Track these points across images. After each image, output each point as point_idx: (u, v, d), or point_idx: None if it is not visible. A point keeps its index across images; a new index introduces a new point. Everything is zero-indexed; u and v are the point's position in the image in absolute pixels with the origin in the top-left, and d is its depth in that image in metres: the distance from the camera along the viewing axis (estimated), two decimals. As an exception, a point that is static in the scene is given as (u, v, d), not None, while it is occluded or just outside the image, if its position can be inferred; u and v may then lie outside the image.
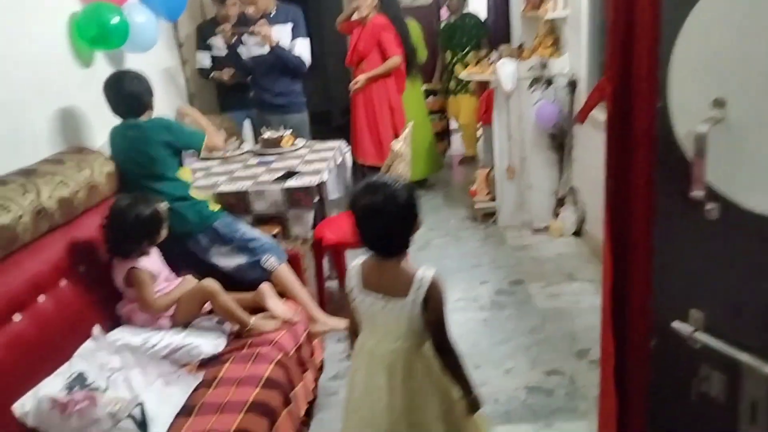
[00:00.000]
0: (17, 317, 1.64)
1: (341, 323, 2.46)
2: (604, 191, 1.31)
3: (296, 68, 3.63)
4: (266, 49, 3.50)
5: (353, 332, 1.63)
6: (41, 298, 1.75)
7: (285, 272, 2.37)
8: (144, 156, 2.30)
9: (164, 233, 2.10)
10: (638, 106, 1.26)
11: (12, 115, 2.12)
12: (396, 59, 4.17)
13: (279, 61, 3.54)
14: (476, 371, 2.51)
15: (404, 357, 1.48)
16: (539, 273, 3.36)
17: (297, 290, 2.36)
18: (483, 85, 4.46)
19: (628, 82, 1.30)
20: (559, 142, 3.83)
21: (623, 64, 1.33)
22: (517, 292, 3.18)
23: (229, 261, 2.34)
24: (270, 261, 2.34)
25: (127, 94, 2.30)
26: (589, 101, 1.56)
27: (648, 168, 1.21)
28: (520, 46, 4.16)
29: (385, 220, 1.43)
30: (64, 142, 2.36)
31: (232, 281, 2.26)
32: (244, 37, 3.61)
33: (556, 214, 3.91)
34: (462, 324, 2.92)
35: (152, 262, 2.09)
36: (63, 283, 1.87)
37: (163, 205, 2.10)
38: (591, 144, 3.38)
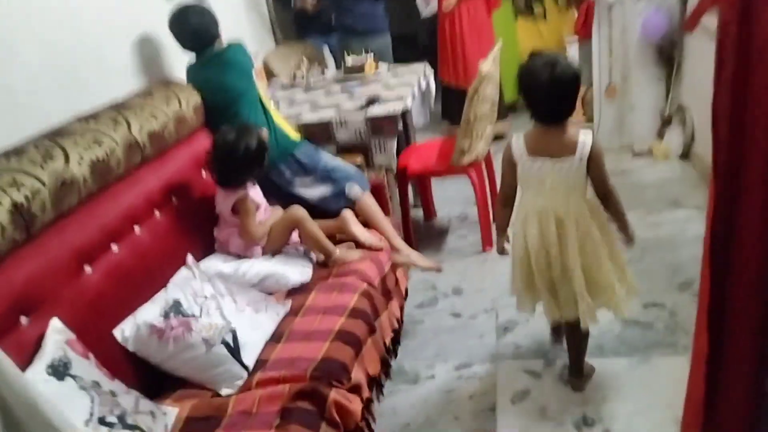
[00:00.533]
0: (115, 247, 1.72)
1: (422, 260, 2.42)
2: (712, 118, 1.14)
3: None
4: None
5: (505, 199, 1.91)
6: (137, 229, 1.83)
7: (368, 201, 2.34)
8: (228, 84, 2.30)
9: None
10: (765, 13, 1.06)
11: (100, 48, 2.15)
12: None
13: None
14: (567, 303, 2.42)
15: (574, 207, 1.78)
16: (639, 200, 3.13)
17: (380, 220, 2.33)
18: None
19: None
20: (668, 55, 3.47)
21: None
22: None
23: (312, 191, 2.34)
24: (354, 190, 2.32)
25: (193, 28, 2.29)
26: (700, 6, 1.33)
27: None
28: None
29: (565, 89, 1.69)
30: (149, 75, 2.39)
31: (316, 211, 2.26)
32: None
33: (660, 136, 3.60)
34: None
35: (256, 192, 2.14)
36: (157, 214, 1.94)
37: (265, 133, 2.11)
38: (705, 56, 3.02)
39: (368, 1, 3.51)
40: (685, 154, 3.45)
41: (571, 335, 1.97)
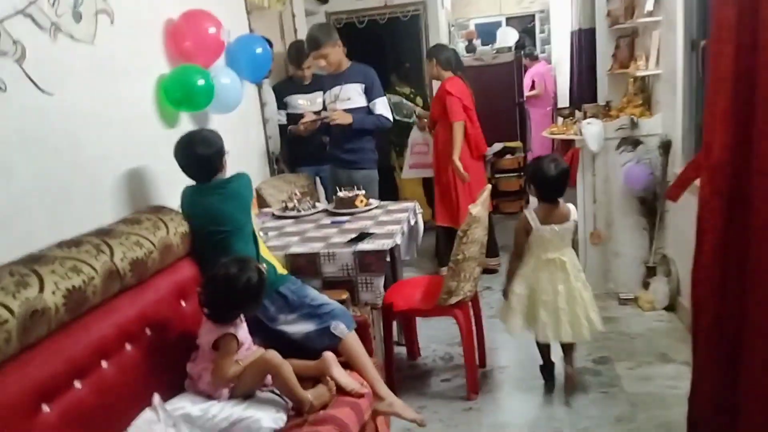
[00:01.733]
0: (78, 384, 1.60)
1: (406, 410, 2.28)
2: (692, 287, 1.12)
3: (380, 128, 3.67)
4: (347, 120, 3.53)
5: (518, 256, 2.72)
6: (104, 364, 1.72)
7: (353, 341, 2.25)
8: (227, 215, 2.25)
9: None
10: (759, 194, 1.08)
11: (96, 174, 2.17)
12: (456, 126, 3.94)
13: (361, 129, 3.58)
14: (557, 464, 2.28)
15: (569, 255, 2.65)
16: (628, 351, 3.08)
17: (364, 363, 2.22)
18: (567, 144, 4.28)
19: (746, 161, 1.12)
20: (650, 206, 3.57)
21: (735, 137, 1.16)
22: (602, 371, 2.91)
23: (296, 328, 2.25)
24: (340, 328, 2.24)
25: (196, 159, 2.27)
26: (684, 175, 1.38)
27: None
28: (607, 105, 3.98)
29: (564, 176, 2.58)
30: (145, 202, 2.39)
31: (299, 348, 2.17)
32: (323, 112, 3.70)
33: (645, 285, 3.61)
34: (540, 406, 2.69)
35: (243, 330, 2.04)
36: (128, 347, 1.84)
37: (264, 266, 2.06)
38: (687, 209, 3.11)
39: (358, 136, 3.63)
40: (671, 306, 3.44)
41: (570, 348, 2.73)
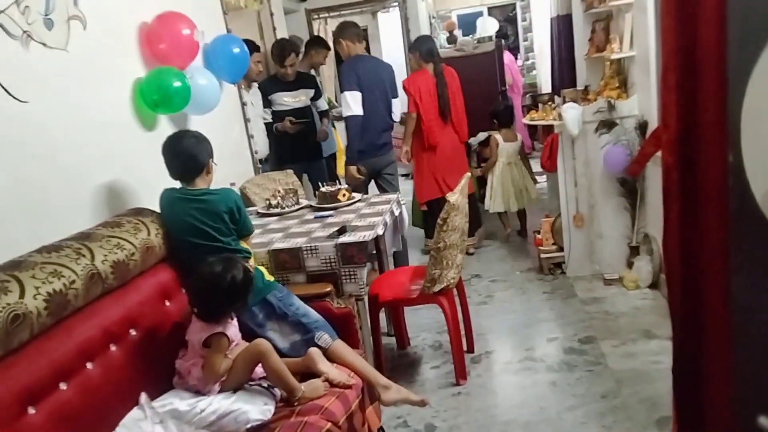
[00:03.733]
0: (63, 386, 1.63)
1: (413, 395, 2.32)
2: (663, 257, 1.16)
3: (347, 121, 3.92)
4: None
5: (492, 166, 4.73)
6: (89, 365, 1.75)
7: (340, 346, 2.27)
8: (206, 225, 2.24)
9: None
10: (705, 158, 1.12)
11: (75, 180, 2.19)
12: (408, 118, 4.20)
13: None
14: (543, 442, 2.32)
15: (523, 160, 4.78)
16: (613, 329, 3.12)
17: (357, 364, 2.24)
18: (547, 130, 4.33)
19: (693, 131, 1.16)
20: (631, 186, 3.61)
21: (686, 108, 1.20)
22: (588, 350, 2.95)
23: (283, 338, 2.28)
24: (324, 338, 2.26)
25: (182, 153, 2.26)
26: (643, 151, 1.42)
27: (720, 234, 1.06)
28: (585, 89, 4.02)
29: (512, 111, 5.07)
30: (125, 206, 2.40)
31: (285, 356, 2.20)
32: None
33: (629, 264, 3.66)
34: (528, 387, 2.73)
35: (234, 328, 2.07)
36: (113, 348, 1.86)
37: (251, 264, 2.07)
38: (665, 189, 3.16)
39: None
40: (654, 284, 3.49)
41: (523, 214, 4.83)
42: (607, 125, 3.57)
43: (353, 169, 3.93)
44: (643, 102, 3.49)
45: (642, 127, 3.46)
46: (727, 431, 1.05)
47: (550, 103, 4.27)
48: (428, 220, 4.46)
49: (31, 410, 1.51)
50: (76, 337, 1.73)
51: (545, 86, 6.76)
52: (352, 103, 3.84)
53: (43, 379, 1.57)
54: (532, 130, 7.02)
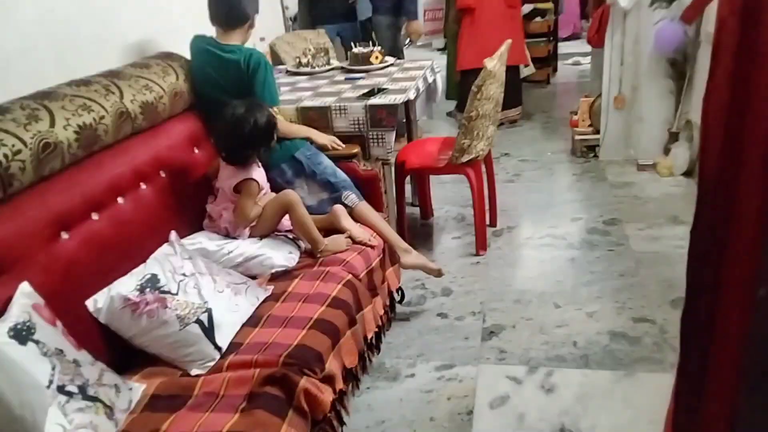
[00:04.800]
0: (95, 216, 1.68)
1: (431, 263, 2.38)
2: (702, 120, 1.08)
3: None
4: None
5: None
6: (120, 200, 1.79)
7: (365, 208, 2.29)
8: (227, 82, 2.21)
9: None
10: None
11: (105, 17, 2.13)
12: None
13: None
14: (556, 311, 2.38)
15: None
16: (640, 213, 3.09)
17: (380, 226, 2.28)
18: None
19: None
20: (680, 69, 3.41)
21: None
22: (611, 232, 2.94)
23: (311, 195, 2.30)
24: (351, 197, 2.28)
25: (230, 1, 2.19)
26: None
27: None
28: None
29: None
30: (154, 50, 2.34)
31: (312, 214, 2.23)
32: None
33: (666, 151, 3.55)
34: (546, 261, 2.76)
35: (261, 174, 2.10)
36: (143, 186, 1.90)
37: (276, 110, 2.07)
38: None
39: None
40: (689, 172, 3.39)
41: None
42: (665, -1, 3.30)
43: (419, 24, 3.98)
44: (708, -26, 3.19)
45: (702, 2, 3.19)
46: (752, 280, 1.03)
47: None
48: (461, 91, 4.34)
49: (65, 235, 1.57)
50: (108, 172, 1.76)
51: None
52: None
53: (75, 208, 1.62)
54: (583, 4, 6.58)
